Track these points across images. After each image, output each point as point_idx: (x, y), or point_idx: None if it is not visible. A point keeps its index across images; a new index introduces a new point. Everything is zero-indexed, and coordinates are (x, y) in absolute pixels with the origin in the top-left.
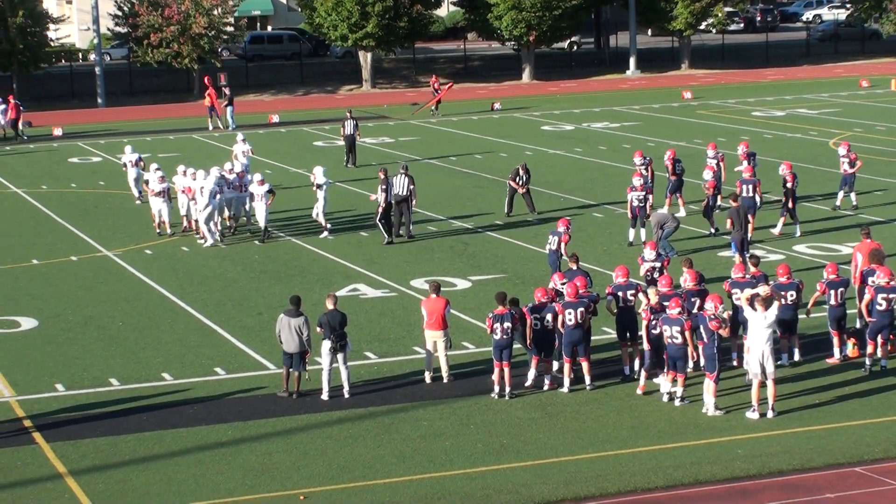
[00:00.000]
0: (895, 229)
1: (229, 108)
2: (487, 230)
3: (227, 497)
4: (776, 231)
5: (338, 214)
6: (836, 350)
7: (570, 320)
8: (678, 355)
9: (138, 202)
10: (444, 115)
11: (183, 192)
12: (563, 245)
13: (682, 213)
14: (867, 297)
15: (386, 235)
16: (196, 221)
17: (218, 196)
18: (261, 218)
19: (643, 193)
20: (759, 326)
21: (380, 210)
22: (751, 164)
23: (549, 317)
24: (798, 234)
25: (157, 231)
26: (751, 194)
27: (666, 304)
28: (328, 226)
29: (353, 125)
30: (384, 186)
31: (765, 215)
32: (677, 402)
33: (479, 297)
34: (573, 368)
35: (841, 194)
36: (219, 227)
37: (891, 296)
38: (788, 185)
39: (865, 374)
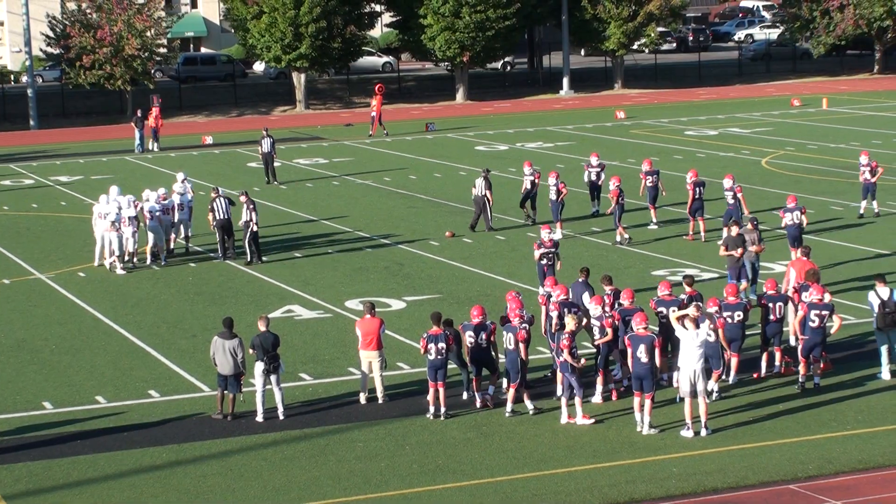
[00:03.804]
0: (827, 246)
1: (138, 133)
2: (422, 250)
3: None
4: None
5: (271, 234)
6: (763, 365)
7: (471, 343)
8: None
9: None
10: (378, 137)
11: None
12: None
13: (558, 234)
14: (800, 313)
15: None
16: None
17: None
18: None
19: (553, 250)
20: (691, 345)
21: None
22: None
23: (483, 335)
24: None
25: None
26: (700, 196)
27: (597, 322)
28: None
29: (270, 143)
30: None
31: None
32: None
33: (414, 318)
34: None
35: (864, 203)
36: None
37: (823, 312)
38: (737, 197)
39: (798, 391)
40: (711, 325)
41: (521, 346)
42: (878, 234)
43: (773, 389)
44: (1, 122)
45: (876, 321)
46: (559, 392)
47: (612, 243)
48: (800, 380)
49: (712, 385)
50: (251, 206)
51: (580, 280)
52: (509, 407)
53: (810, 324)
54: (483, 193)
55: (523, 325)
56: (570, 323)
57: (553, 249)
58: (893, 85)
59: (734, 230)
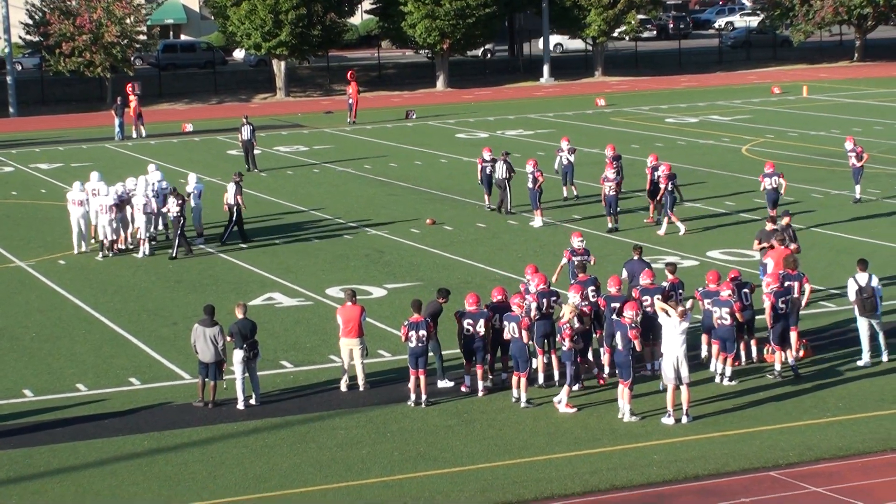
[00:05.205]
0: (808, 235)
1: (118, 120)
2: (403, 238)
3: None
4: (662, 231)
5: (252, 222)
6: (743, 353)
7: (468, 330)
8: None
9: None
10: (358, 124)
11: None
12: None
13: (538, 222)
14: (767, 303)
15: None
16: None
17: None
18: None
19: (586, 257)
20: (674, 332)
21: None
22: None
23: (482, 322)
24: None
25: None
26: (657, 181)
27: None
28: (202, 231)
29: (250, 130)
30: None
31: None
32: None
33: (395, 305)
34: (472, 372)
35: (858, 188)
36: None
37: (787, 297)
38: (662, 185)
39: (778, 379)
40: (727, 310)
41: (525, 334)
42: (859, 220)
43: (754, 377)
44: None
45: (856, 307)
46: (540, 380)
47: (607, 230)
48: (776, 368)
49: (720, 367)
50: (179, 201)
51: (634, 258)
52: (517, 394)
53: (779, 311)
54: (505, 176)
55: (528, 307)
56: (567, 313)
57: (586, 256)
58: (873, 72)
59: (769, 226)
